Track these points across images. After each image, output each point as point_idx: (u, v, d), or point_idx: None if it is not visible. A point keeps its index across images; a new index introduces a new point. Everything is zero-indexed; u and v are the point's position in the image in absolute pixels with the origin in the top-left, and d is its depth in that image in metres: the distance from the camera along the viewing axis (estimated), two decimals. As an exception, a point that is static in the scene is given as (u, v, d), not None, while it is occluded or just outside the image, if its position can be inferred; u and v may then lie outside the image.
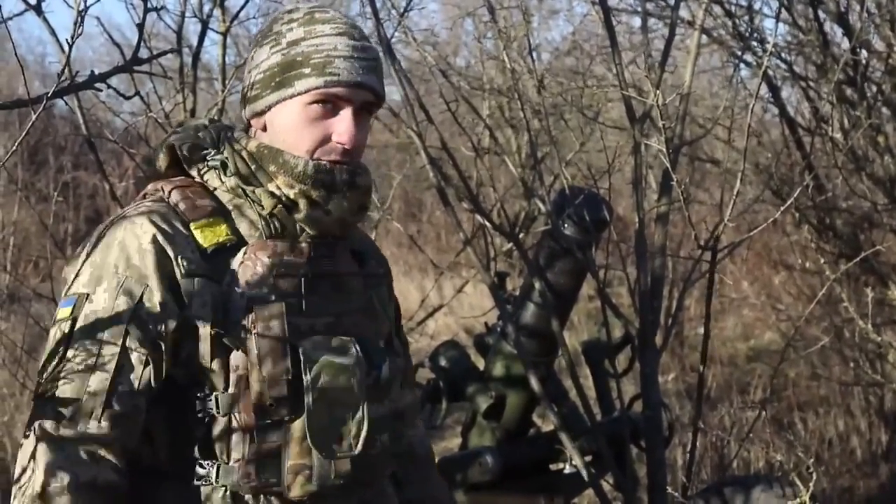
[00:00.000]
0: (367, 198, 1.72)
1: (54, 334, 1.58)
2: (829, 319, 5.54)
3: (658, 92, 2.91)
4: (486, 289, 3.62)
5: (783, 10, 4.39)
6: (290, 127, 1.65)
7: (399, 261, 9.45)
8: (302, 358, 1.59)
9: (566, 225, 3.21)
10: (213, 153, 1.69)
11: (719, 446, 4.67)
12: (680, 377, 6.72)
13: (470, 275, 6.25)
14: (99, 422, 1.53)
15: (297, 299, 1.62)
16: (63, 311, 1.59)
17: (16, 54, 1.80)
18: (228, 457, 1.59)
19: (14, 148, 1.71)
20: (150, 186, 1.72)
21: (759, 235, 5.51)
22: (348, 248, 1.74)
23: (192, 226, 1.62)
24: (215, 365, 1.58)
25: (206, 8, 3.62)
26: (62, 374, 1.54)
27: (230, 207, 1.67)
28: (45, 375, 1.56)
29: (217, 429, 1.59)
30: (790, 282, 6.76)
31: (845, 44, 4.64)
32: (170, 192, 1.66)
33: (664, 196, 3.34)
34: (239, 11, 3.76)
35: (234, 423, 1.58)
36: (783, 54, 4.91)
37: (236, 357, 1.58)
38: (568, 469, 3.34)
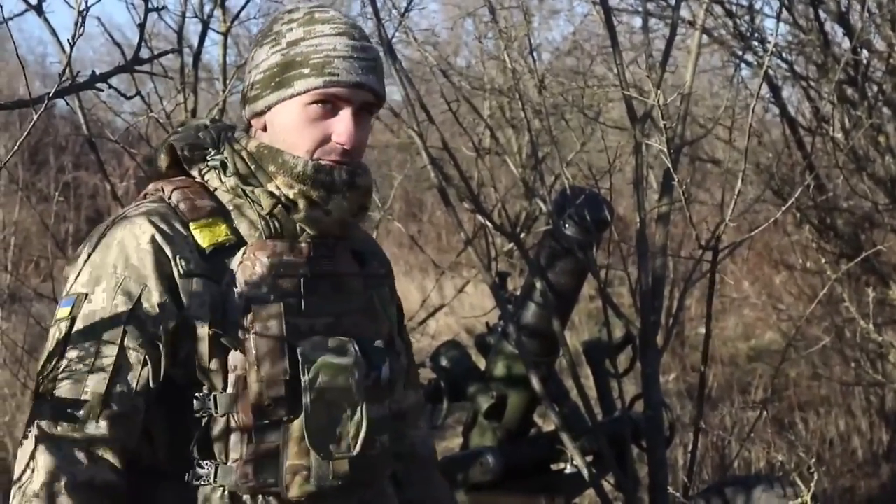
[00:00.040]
0: (368, 198, 1.71)
1: (53, 334, 1.58)
2: (830, 319, 5.54)
3: (659, 92, 2.91)
4: (488, 289, 3.61)
5: (784, 9, 4.40)
6: (290, 127, 1.65)
7: (400, 261, 9.45)
8: (300, 358, 1.59)
9: (567, 225, 3.21)
10: (213, 153, 1.69)
11: (720, 446, 4.67)
12: (681, 377, 6.72)
13: (471, 275, 6.25)
14: (97, 422, 1.53)
15: (296, 299, 1.61)
16: (62, 311, 1.59)
17: (17, 54, 1.80)
18: (227, 457, 1.59)
19: (16, 148, 1.71)
20: (150, 186, 1.72)
21: (759, 235, 5.51)
22: (349, 249, 1.73)
23: (191, 226, 1.62)
24: (214, 365, 1.58)
25: (207, 8, 3.62)
26: (60, 374, 1.54)
27: (230, 207, 1.67)
28: (43, 375, 1.56)
29: (216, 429, 1.59)
30: (791, 282, 6.76)
31: (846, 43, 4.64)
32: (170, 193, 1.66)
33: (665, 196, 3.34)
34: (240, 12, 3.76)
35: (233, 424, 1.58)
36: (784, 54, 4.91)
37: (235, 357, 1.58)
38: (569, 469, 3.34)
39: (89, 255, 1.61)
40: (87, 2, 1.62)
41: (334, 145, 1.64)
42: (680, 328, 7.04)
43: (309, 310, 1.63)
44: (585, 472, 3.20)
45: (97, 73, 1.83)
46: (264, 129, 1.69)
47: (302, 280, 1.63)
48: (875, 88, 4.62)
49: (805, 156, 4.84)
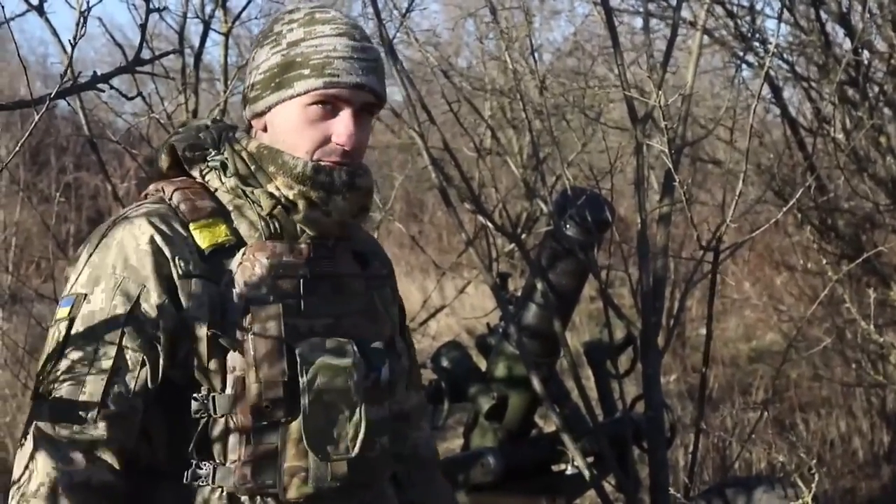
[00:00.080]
0: (368, 199, 1.71)
1: (53, 334, 1.59)
2: (831, 320, 5.53)
3: (660, 92, 2.91)
4: (488, 289, 3.61)
5: (785, 10, 4.39)
6: (290, 128, 1.64)
7: (401, 261, 9.45)
8: (298, 359, 1.58)
9: (568, 226, 3.21)
10: (213, 154, 1.69)
11: (721, 447, 4.67)
12: (682, 378, 6.72)
13: (472, 275, 6.24)
14: (95, 422, 1.53)
15: (295, 300, 1.61)
16: (62, 311, 1.59)
17: (18, 55, 1.80)
18: (225, 458, 1.59)
19: (17, 149, 1.71)
20: (151, 187, 1.72)
21: (760, 236, 5.51)
22: (350, 250, 1.73)
23: (191, 226, 1.62)
24: (212, 366, 1.58)
25: (208, 9, 3.62)
26: (59, 375, 1.54)
27: (230, 208, 1.66)
28: (42, 376, 1.57)
29: (215, 430, 1.59)
30: (792, 282, 6.76)
31: (847, 44, 4.64)
32: (171, 193, 1.65)
33: (666, 197, 3.34)
34: (241, 12, 3.75)
35: (232, 425, 1.58)
36: (785, 55, 4.91)
37: (233, 358, 1.58)
38: (570, 470, 3.34)
39: (89, 256, 1.61)
40: (88, 2, 1.62)
41: (334, 146, 1.64)
42: (681, 329, 7.03)
43: (308, 311, 1.62)
44: (586, 473, 3.20)
45: (98, 73, 1.83)
46: (265, 129, 1.68)
47: (301, 281, 1.62)
48: (876, 89, 4.62)
49: (806, 156, 4.84)
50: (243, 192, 1.66)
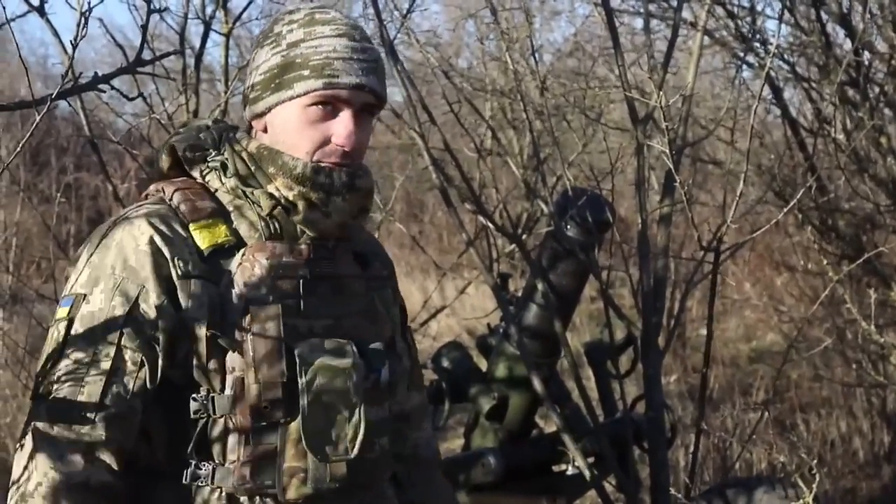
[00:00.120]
0: (368, 200, 1.70)
1: (52, 334, 1.59)
2: (832, 321, 5.53)
3: (661, 93, 2.91)
4: (489, 290, 3.62)
5: (786, 11, 4.39)
6: (290, 129, 1.64)
7: (401, 262, 9.45)
8: (297, 360, 1.58)
9: (569, 226, 3.21)
10: (213, 154, 1.69)
11: (722, 448, 4.67)
12: (682, 378, 6.72)
13: (472, 276, 6.25)
14: (93, 423, 1.53)
15: (295, 301, 1.61)
16: (61, 312, 1.59)
17: (20, 55, 1.80)
18: (225, 458, 1.59)
19: (18, 149, 1.71)
20: (151, 187, 1.72)
21: (761, 237, 5.51)
22: (350, 250, 1.73)
23: (191, 227, 1.62)
24: (212, 366, 1.58)
25: (209, 9, 3.63)
26: (58, 376, 1.55)
27: (231, 208, 1.66)
28: (42, 376, 1.57)
29: (214, 430, 1.59)
30: (792, 283, 6.76)
31: (848, 45, 4.64)
32: (171, 194, 1.65)
33: (667, 197, 3.34)
34: (241, 13, 3.76)
35: (231, 425, 1.58)
36: (786, 55, 4.91)
37: (233, 358, 1.58)
38: (570, 470, 3.34)
39: (89, 256, 1.61)
40: (89, 3, 1.62)
41: (334, 147, 1.64)
42: (681, 329, 7.03)
43: (308, 311, 1.62)
44: (587, 473, 3.20)
45: (99, 74, 1.83)
46: (265, 130, 1.68)
47: (301, 281, 1.62)
48: (877, 90, 4.62)
49: (807, 157, 4.84)
50: (243, 192, 1.66)
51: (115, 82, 1.87)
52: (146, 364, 1.56)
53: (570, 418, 3.30)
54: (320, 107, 1.62)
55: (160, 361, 1.57)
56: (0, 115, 8.24)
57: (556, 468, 3.42)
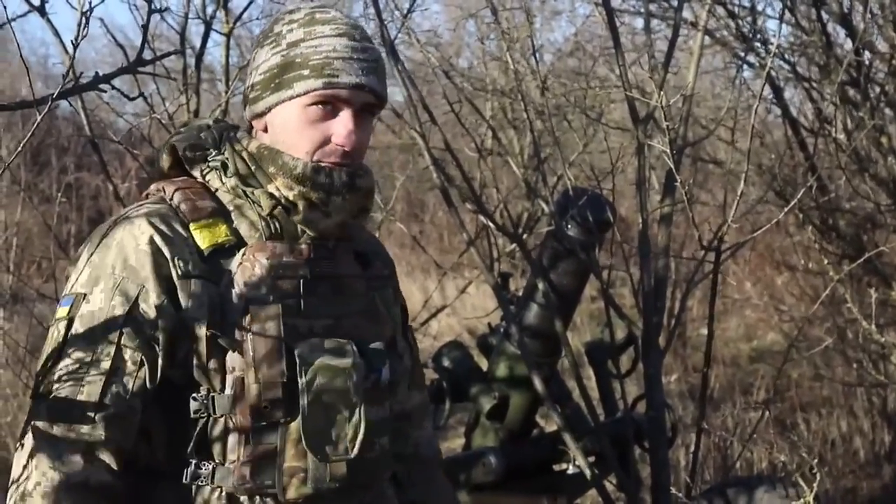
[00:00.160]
0: (368, 200, 1.70)
1: (52, 334, 1.59)
2: (833, 320, 5.53)
3: (661, 93, 2.91)
4: (490, 289, 3.62)
5: (786, 11, 4.39)
6: (290, 129, 1.64)
7: (402, 261, 9.44)
8: (297, 360, 1.58)
9: (569, 226, 3.21)
10: (214, 154, 1.69)
11: (722, 447, 4.67)
12: (683, 378, 6.72)
13: (473, 275, 6.25)
14: (93, 422, 1.53)
15: (295, 301, 1.61)
16: (61, 311, 1.59)
17: (20, 55, 1.80)
18: (225, 458, 1.59)
19: (19, 149, 1.71)
20: (152, 187, 1.72)
21: (762, 236, 5.52)
22: (351, 250, 1.73)
23: (191, 227, 1.62)
24: (212, 366, 1.58)
25: (210, 9, 3.63)
26: (58, 375, 1.55)
27: (231, 208, 1.66)
28: (42, 375, 1.57)
29: (214, 430, 1.59)
30: (793, 282, 6.76)
31: (848, 45, 4.64)
32: (172, 193, 1.65)
33: (667, 197, 3.34)
34: (242, 13, 3.77)
35: (231, 425, 1.58)
36: (786, 55, 4.91)
37: (233, 358, 1.58)
38: (571, 469, 3.34)
39: (90, 256, 1.61)
40: (90, 3, 1.62)
41: (334, 147, 1.63)
42: (682, 329, 7.03)
43: (308, 311, 1.62)
44: (588, 473, 3.20)
45: (100, 74, 1.83)
46: (265, 130, 1.68)
47: (301, 281, 1.62)
48: (877, 89, 4.62)
49: (807, 157, 4.84)
50: (244, 192, 1.66)
51: (116, 82, 1.87)
52: (146, 364, 1.56)
53: (570, 418, 3.30)
54: (320, 106, 1.62)
55: (160, 361, 1.57)
56: (1, 115, 8.24)
57: (556, 467, 3.42)
